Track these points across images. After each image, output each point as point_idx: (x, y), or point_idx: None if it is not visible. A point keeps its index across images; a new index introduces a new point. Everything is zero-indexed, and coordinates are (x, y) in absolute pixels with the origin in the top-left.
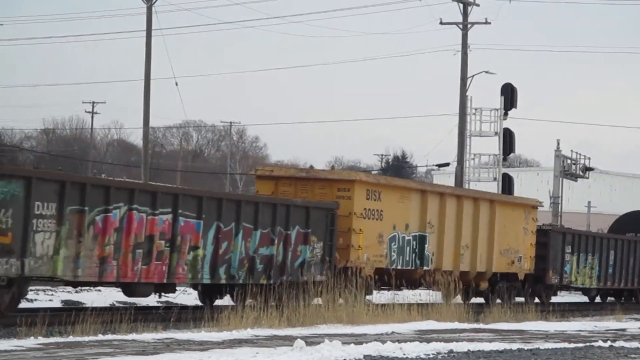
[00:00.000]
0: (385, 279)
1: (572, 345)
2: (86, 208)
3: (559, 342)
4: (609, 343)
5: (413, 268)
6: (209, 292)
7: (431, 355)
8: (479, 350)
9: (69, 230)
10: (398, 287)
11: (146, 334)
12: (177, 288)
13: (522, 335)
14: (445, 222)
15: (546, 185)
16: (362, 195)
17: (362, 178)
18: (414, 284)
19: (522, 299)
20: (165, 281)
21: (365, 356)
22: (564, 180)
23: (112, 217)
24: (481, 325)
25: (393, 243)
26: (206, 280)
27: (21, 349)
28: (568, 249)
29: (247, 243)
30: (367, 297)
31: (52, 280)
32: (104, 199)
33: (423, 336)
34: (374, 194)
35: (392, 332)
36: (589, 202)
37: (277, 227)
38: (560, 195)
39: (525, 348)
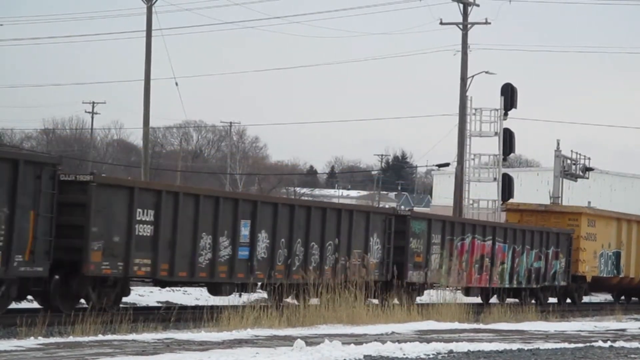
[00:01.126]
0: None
1: (572, 345)
2: (454, 237)
3: (559, 342)
4: (609, 343)
5: (612, 276)
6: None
7: (431, 356)
8: (479, 351)
9: (446, 252)
10: (598, 291)
11: (146, 334)
12: (179, 288)
13: (522, 336)
14: (631, 241)
15: (546, 186)
16: (585, 223)
17: (586, 211)
18: (612, 289)
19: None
20: (487, 286)
21: (365, 356)
22: (564, 180)
23: (466, 243)
24: (481, 326)
25: (602, 258)
26: (507, 285)
27: (21, 349)
28: None
29: (527, 259)
30: (584, 297)
31: (436, 286)
32: (462, 231)
33: (423, 336)
34: (591, 222)
35: (392, 332)
36: (589, 202)
37: (542, 248)
38: (560, 195)
39: (525, 348)
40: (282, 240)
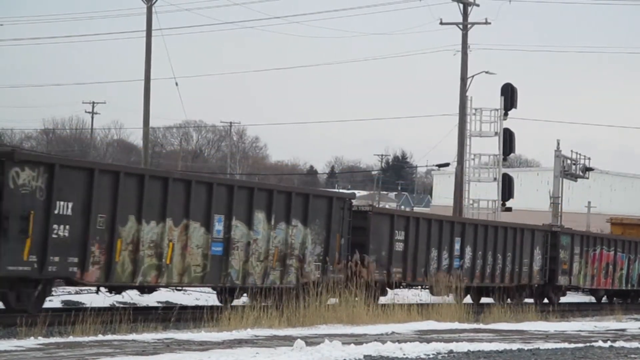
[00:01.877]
0: None
1: (572, 345)
2: (589, 248)
3: (559, 342)
4: (609, 343)
5: None
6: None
7: (431, 356)
8: (479, 351)
9: (583, 261)
10: None
11: (146, 334)
12: (175, 289)
13: (522, 336)
14: None
15: (546, 186)
16: None
17: None
18: None
19: None
20: (610, 288)
21: (365, 356)
22: (564, 180)
23: (597, 253)
24: (481, 326)
25: None
26: (623, 287)
27: (21, 349)
28: None
29: (638, 266)
30: None
31: (577, 289)
32: (594, 243)
33: (423, 336)
34: None
35: (392, 332)
36: (589, 202)
37: None
38: (560, 195)
39: (525, 348)
40: (480, 252)
